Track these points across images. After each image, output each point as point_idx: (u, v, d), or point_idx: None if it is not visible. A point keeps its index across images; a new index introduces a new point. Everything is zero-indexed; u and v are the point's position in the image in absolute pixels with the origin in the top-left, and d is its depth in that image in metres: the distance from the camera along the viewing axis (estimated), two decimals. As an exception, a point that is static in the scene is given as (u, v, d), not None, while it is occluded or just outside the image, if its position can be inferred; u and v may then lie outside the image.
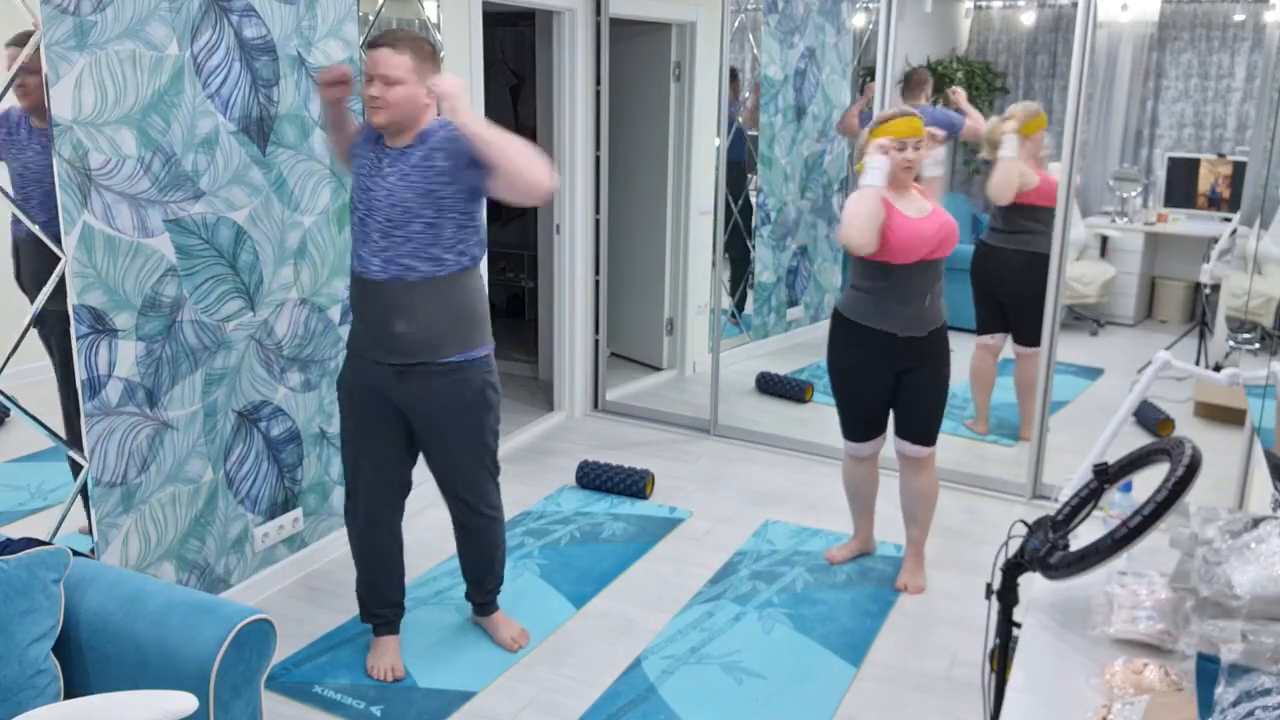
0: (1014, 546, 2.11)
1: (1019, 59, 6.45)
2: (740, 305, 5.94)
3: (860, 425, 3.56)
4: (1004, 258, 4.62)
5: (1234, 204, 6.20)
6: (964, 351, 4.56)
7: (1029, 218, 4.55)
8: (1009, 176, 4.45)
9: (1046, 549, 1.93)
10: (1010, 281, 4.64)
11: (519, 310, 7.01)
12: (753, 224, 5.81)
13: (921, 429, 3.51)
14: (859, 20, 5.86)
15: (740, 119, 5.62)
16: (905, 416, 3.52)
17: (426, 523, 4.05)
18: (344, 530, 3.79)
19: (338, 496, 3.76)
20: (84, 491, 2.82)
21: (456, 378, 2.84)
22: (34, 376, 2.68)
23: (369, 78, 2.69)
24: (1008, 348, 4.79)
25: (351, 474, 3.00)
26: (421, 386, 2.83)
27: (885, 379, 3.46)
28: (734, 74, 5.44)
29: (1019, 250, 4.56)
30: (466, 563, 3.20)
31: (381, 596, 3.09)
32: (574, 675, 3.10)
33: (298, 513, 3.58)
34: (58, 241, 2.65)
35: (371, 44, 2.71)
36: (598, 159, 5.09)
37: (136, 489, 2.98)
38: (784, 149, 5.76)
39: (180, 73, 2.93)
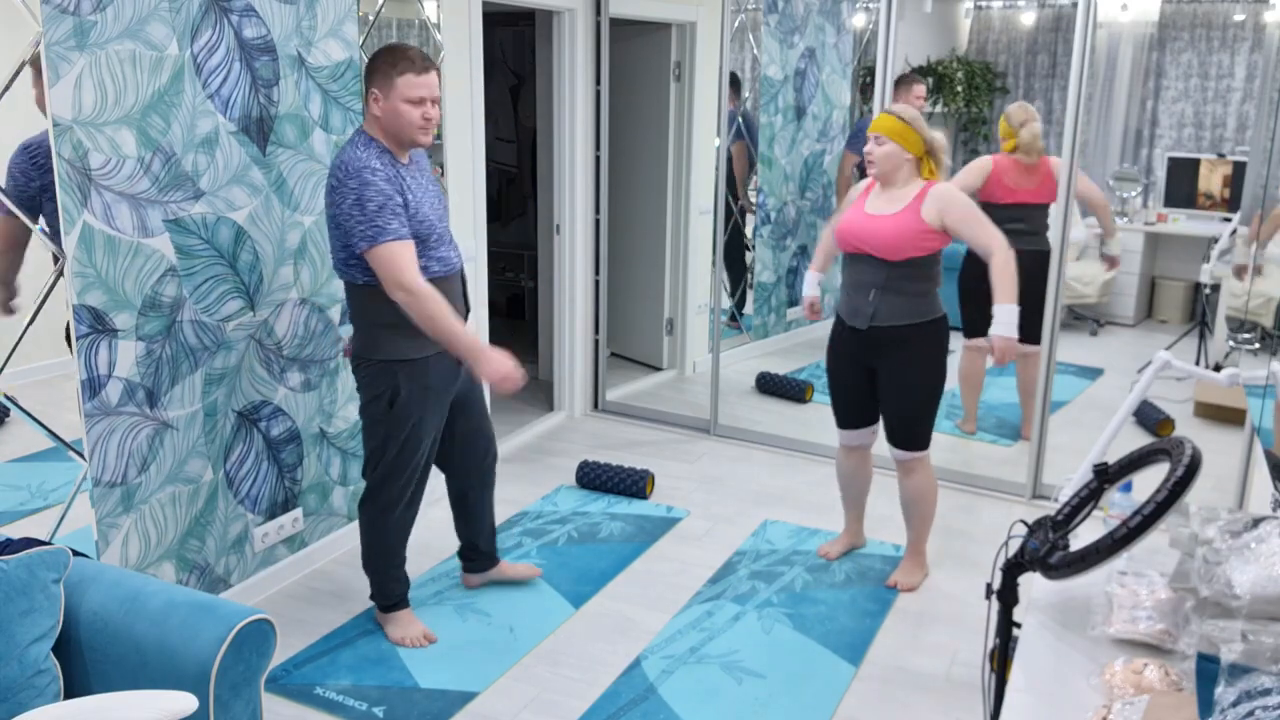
0: (1014, 546, 2.11)
1: (1019, 59, 6.45)
2: (740, 306, 5.95)
3: (838, 410, 3.65)
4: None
5: (1234, 204, 6.20)
6: (957, 351, 4.56)
7: (1015, 217, 4.56)
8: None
9: (1046, 549, 1.93)
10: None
11: (519, 310, 7.01)
12: (739, 229, 5.81)
13: (896, 432, 3.51)
14: (859, 20, 5.86)
15: (740, 118, 5.62)
16: (884, 417, 3.54)
17: (425, 522, 4.05)
18: (344, 530, 3.79)
19: (338, 496, 3.76)
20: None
21: None
22: (34, 376, 2.68)
23: (423, 100, 2.81)
24: None
25: (421, 466, 3.13)
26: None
27: (848, 367, 3.54)
28: (735, 80, 5.43)
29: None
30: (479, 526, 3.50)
31: (405, 575, 3.30)
32: (574, 675, 3.10)
33: (298, 513, 3.58)
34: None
35: (421, 68, 2.80)
36: (598, 159, 5.09)
37: (136, 489, 2.98)
38: (784, 149, 5.76)
39: (180, 73, 2.93)
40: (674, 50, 5.46)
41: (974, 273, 4.70)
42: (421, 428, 3.04)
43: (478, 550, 3.50)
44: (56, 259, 2.65)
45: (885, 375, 3.45)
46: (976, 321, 4.76)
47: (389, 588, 3.25)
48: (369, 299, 2.92)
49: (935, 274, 3.41)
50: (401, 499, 3.13)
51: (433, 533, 3.96)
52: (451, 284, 3.01)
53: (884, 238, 3.30)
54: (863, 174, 5.35)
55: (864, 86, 5.59)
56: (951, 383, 4.71)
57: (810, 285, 3.74)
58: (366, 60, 2.88)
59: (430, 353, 2.98)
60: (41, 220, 2.64)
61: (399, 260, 2.77)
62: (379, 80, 2.82)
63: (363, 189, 2.76)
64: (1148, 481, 2.13)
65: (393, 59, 2.80)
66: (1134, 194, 6.54)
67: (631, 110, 5.66)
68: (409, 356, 2.95)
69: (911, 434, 3.48)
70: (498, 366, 2.86)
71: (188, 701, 1.96)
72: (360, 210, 2.76)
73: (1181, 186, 6.38)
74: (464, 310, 3.09)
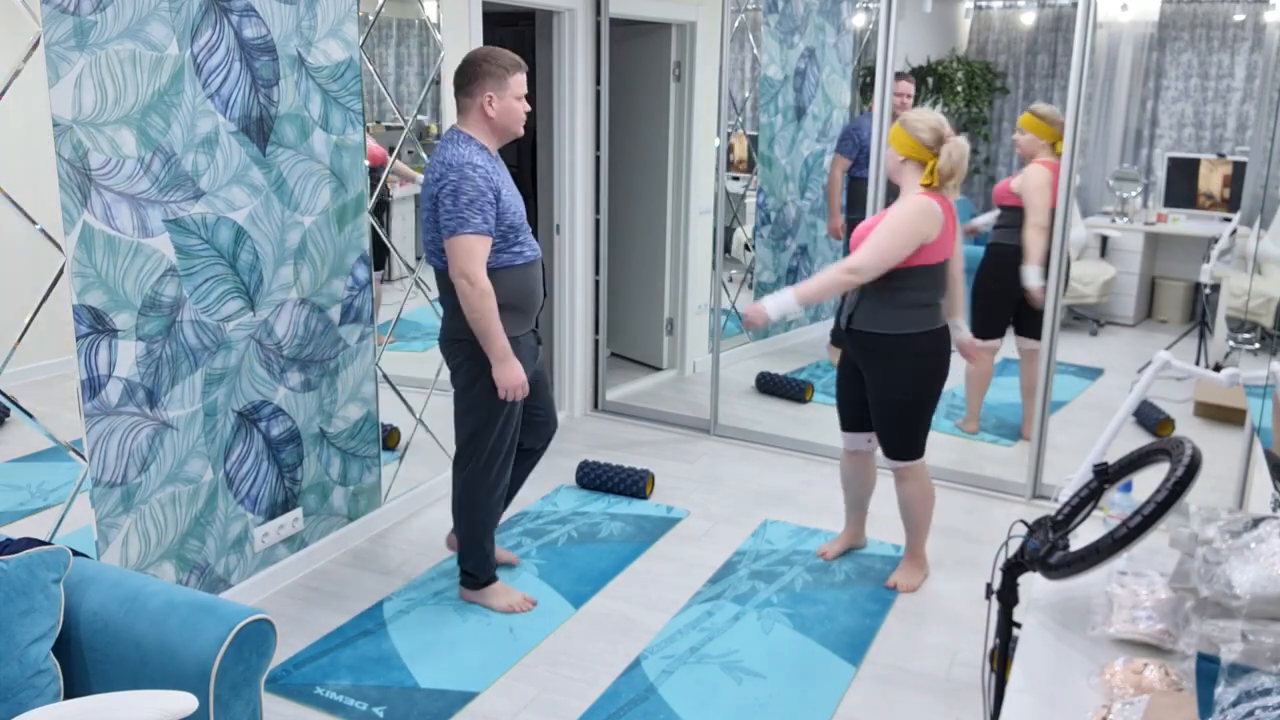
0: (1014, 546, 2.11)
1: (1019, 59, 6.45)
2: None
3: (838, 409, 3.68)
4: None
5: (1234, 204, 6.20)
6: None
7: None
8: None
9: (1046, 549, 1.93)
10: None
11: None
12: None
13: (880, 438, 3.51)
14: (859, 20, 5.86)
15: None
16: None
17: (424, 523, 4.05)
18: (344, 530, 3.80)
19: (338, 496, 3.76)
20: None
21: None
22: (34, 376, 2.68)
23: (523, 96, 3.13)
24: (1010, 347, 4.77)
25: (514, 439, 3.35)
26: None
27: (846, 366, 3.56)
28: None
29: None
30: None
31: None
32: (574, 675, 3.10)
33: (298, 513, 3.58)
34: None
35: (523, 69, 3.12)
36: (598, 159, 5.09)
37: (136, 489, 2.98)
38: (784, 149, 5.76)
39: (180, 73, 2.93)
40: (674, 50, 5.46)
41: (990, 274, 4.70)
42: (518, 404, 3.29)
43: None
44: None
45: (867, 379, 3.52)
46: (998, 322, 4.75)
47: (489, 561, 3.44)
48: None
49: None
50: (505, 473, 3.36)
51: (430, 534, 3.96)
52: (538, 270, 3.25)
53: (858, 245, 3.36)
54: (852, 179, 5.34)
55: (864, 87, 5.58)
56: (955, 380, 4.72)
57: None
58: (464, 66, 3.08)
59: (521, 333, 3.22)
60: (41, 220, 2.64)
61: (474, 252, 3.00)
62: (493, 82, 3.06)
63: (461, 182, 2.98)
64: (1148, 481, 2.13)
65: (502, 62, 3.08)
66: (1134, 194, 6.54)
67: (631, 110, 5.65)
68: (509, 335, 3.18)
69: (890, 442, 3.52)
70: (515, 376, 3.14)
71: (188, 701, 1.96)
72: (453, 200, 2.98)
73: (1181, 186, 6.38)
74: (545, 293, 3.35)
